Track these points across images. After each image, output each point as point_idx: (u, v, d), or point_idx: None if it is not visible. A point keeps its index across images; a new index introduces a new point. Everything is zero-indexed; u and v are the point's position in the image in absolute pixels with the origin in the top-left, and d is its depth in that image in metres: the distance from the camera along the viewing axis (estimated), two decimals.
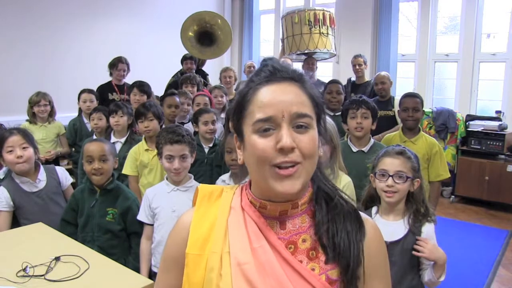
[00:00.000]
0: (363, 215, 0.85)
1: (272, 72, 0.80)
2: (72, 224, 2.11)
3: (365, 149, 2.38)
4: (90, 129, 3.66)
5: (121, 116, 2.99)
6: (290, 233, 0.81)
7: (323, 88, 3.69)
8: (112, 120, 3.02)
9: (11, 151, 2.12)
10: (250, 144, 0.77)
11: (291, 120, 0.76)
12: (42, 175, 2.22)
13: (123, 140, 3.00)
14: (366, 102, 2.40)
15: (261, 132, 0.76)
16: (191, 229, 0.84)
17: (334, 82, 3.62)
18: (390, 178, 1.67)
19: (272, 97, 0.77)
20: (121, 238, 2.10)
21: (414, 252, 1.62)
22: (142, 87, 3.56)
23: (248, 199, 0.84)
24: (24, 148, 2.14)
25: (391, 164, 1.68)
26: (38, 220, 2.02)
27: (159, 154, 2.07)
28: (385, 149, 1.78)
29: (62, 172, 2.34)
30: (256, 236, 0.80)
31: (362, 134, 2.39)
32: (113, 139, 3.02)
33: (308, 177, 0.79)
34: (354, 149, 2.41)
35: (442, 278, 1.62)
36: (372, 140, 2.43)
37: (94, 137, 3.22)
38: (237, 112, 0.82)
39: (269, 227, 0.81)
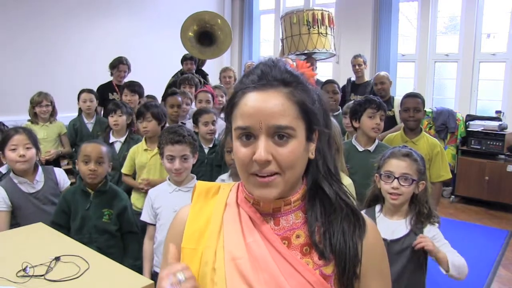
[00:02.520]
0: (364, 216, 0.85)
1: (259, 77, 0.78)
2: (63, 227, 2.07)
3: (371, 148, 2.39)
4: (90, 130, 3.66)
5: (120, 116, 2.98)
6: (284, 229, 0.81)
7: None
8: (111, 120, 3.01)
9: (14, 149, 2.14)
10: (234, 148, 0.79)
11: (269, 132, 0.75)
12: (40, 176, 2.23)
13: (122, 139, 3.00)
14: (384, 106, 2.44)
15: (243, 140, 0.77)
16: (187, 224, 0.86)
17: (329, 82, 3.64)
18: (396, 180, 1.65)
19: (253, 106, 0.75)
20: (117, 238, 2.12)
21: (419, 245, 1.57)
22: (132, 87, 3.60)
23: (243, 195, 0.85)
24: (27, 148, 2.17)
25: (397, 166, 1.67)
26: (35, 221, 2.01)
27: (161, 154, 2.07)
28: (391, 150, 1.76)
29: (60, 173, 2.34)
30: (250, 231, 0.81)
31: (377, 135, 2.43)
32: (112, 138, 3.02)
33: (288, 185, 0.79)
34: (360, 149, 2.42)
35: (454, 271, 1.58)
36: (377, 140, 2.45)
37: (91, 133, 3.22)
38: (227, 112, 0.82)
39: (264, 222, 0.82)
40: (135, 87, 3.61)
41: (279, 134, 0.75)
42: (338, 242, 0.79)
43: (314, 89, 0.83)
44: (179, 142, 2.00)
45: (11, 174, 2.19)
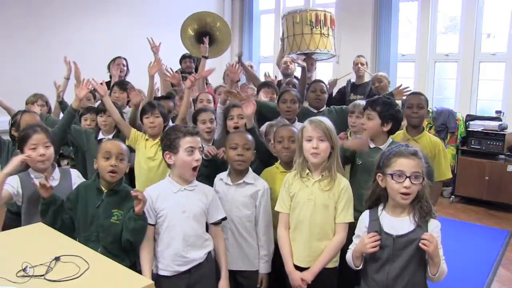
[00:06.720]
0: None
1: None
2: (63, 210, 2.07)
3: (383, 147, 2.31)
4: None
5: (109, 116, 2.99)
6: None
7: (307, 87, 3.64)
8: (99, 119, 3.03)
9: (34, 148, 2.15)
10: None
11: None
12: (56, 174, 2.24)
13: (110, 136, 3.00)
14: (372, 103, 2.40)
15: None
16: None
17: (317, 81, 3.62)
18: (408, 179, 1.65)
19: None
20: None
21: (420, 245, 1.60)
22: (122, 85, 3.65)
23: None
24: (46, 146, 2.18)
25: (407, 165, 1.66)
26: (36, 220, 2.00)
27: (172, 149, 2.00)
28: (395, 149, 1.74)
29: (76, 175, 2.32)
30: None
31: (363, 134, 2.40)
32: (100, 135, 3.03)
33: None
34: (371, 145, 2.36)
35: (437, 276, 1.64)
36: (390, 139, 2.37)
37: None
38: None
39: None
40: (125, 85, 3.64)
41: None
42: None
43: None
44: (197, 134, 2.01)
45: (30, 169, 2.20)
